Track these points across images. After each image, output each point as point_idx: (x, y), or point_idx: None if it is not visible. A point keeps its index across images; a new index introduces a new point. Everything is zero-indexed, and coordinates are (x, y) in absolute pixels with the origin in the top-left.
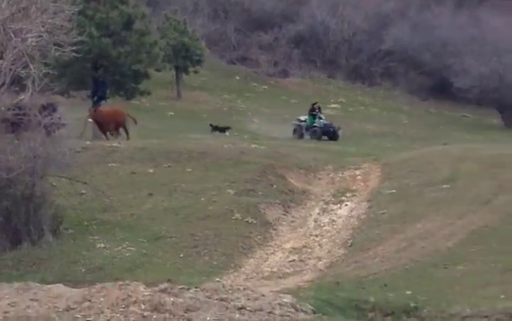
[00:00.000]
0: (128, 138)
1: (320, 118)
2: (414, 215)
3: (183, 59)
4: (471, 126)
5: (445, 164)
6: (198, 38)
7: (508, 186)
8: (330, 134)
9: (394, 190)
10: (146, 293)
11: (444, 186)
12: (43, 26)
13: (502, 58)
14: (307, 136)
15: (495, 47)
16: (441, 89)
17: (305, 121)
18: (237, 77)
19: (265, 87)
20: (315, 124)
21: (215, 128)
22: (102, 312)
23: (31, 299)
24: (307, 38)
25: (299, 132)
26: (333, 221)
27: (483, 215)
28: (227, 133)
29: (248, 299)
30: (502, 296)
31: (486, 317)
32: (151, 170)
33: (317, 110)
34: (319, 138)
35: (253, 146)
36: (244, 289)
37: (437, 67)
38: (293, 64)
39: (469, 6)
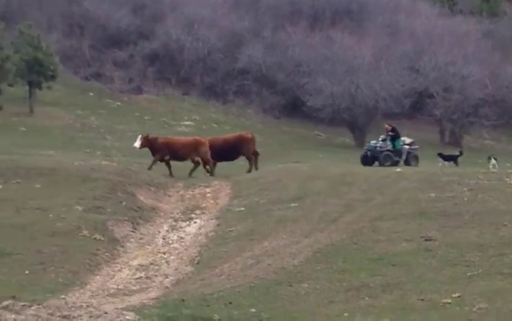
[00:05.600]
0: None
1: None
2: (261, 232)
3: (37, 74)
4: (323, 144)
5: (294, 182)
6: (53, 53)
7: (354, 205)
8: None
9: (242, 208)
10: None
11: (292, 204)
12: None
13: (354, 78)
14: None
15: (347, 67)
16: (294, 108)
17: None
18: (91, 94)
19: (119, 103)
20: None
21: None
22: None
23: None
24: (162, 56)
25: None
26: (182, 238)
27: (329, 234)
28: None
29: (91, 317)
30: (346, 314)
31: None
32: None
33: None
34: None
35: (104, 162)
36: (88, 306)
37: (290, 86)
38: (148, 81)
39: (322, 27)
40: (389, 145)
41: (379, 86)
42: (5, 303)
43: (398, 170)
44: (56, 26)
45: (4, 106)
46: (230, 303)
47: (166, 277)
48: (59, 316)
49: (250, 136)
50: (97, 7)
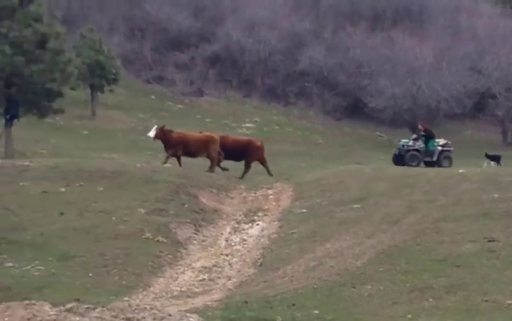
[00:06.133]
0: None
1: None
2: (323, 234)
3: (98, 77)
4: (385, 145)
5: (356, 183)
6: (114, 57)
7: (417, 206)
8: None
9: (304, 210)
10: (51, 313)
11: (355, 205)
12: None
13: (415, 79)
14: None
15: (408, 68)
16: (355, 109)
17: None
18: (153, 97)
19: (180, 106)
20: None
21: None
22: None
23: None
24: (223, 58)
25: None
26: (244, 240)
27: (392, 235)
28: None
29: (154, 319)
30: (409, 316)
31: None
32: (62, 189)
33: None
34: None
35: (166, 165)
36: (151, 308)
37: (351, 88)
38: (209, 84)
39: (383, 28)
40: (421, 145)
41: (441, 87)
42: (69, 305)
43: (461, 171)
44: (117, 29)
45: (66, 110)
46: (293, 305)
47: (229, 279)
48: (123, 318)
49: (259, 144)
50: (158, 10)
